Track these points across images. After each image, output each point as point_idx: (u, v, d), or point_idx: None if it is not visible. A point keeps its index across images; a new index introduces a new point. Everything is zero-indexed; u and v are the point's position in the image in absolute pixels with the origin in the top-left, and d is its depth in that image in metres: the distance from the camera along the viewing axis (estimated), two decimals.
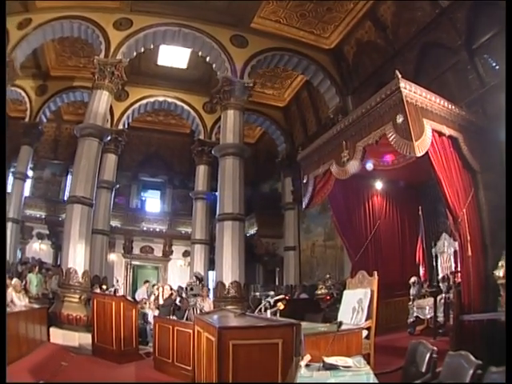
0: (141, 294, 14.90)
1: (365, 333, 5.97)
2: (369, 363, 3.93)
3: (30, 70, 17.45)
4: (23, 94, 18.16)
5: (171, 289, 12.27)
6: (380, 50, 13.27)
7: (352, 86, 14.66)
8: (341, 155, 7.94)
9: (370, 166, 7.82)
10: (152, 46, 14.51)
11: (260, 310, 5.70)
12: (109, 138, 14.28)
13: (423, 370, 3.70)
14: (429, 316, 8.70)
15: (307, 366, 3.53)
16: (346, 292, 7.56)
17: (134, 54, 14.14)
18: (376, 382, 3.12)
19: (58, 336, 10.20)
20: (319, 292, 11.10)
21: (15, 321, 7.74)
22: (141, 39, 13.74)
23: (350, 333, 5.36)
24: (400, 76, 6.45)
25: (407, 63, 11.79)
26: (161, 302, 12.09)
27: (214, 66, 14.41)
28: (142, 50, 14.26)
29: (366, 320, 6.31)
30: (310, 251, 17.57)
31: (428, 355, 3.74)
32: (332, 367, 3.41)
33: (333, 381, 3.16)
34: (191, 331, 7.11)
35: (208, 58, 14.44)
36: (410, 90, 6.45)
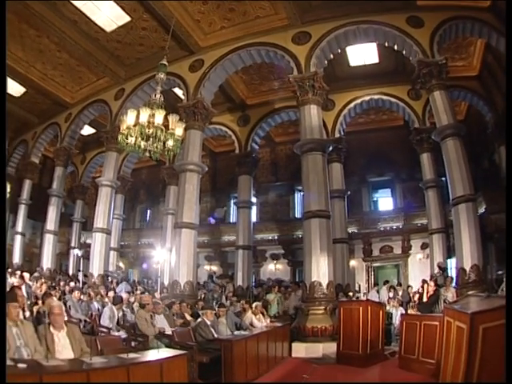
0: (373, 295, 15.27)
1: None
2: None
3: (224, 105, 19.77)
4: (224, 129, 20.50)
5: (435, 284, 11.76)
6: None
7: None
8: None
9: None
10: (339, 50, 15.06)
11: (502, 290, 5.79)
12: (330, 148, 14.94)
13: None
14: None
15: None
16: None
17: (326, 62, 14.85)
18: None
19: (301, 349, 11.08)
20: None
21: (254, 343, 8.68)
22: (325, 47, 14.43)
23: None
24: None
25: None
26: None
27: (403, 52, 14.36)
28: (331, 56, 14.93)
29: None
30: None
31: None
32: None
33: None
34: (438, 323, 7.32)
35: (396, 47, 14.43)
36: None
